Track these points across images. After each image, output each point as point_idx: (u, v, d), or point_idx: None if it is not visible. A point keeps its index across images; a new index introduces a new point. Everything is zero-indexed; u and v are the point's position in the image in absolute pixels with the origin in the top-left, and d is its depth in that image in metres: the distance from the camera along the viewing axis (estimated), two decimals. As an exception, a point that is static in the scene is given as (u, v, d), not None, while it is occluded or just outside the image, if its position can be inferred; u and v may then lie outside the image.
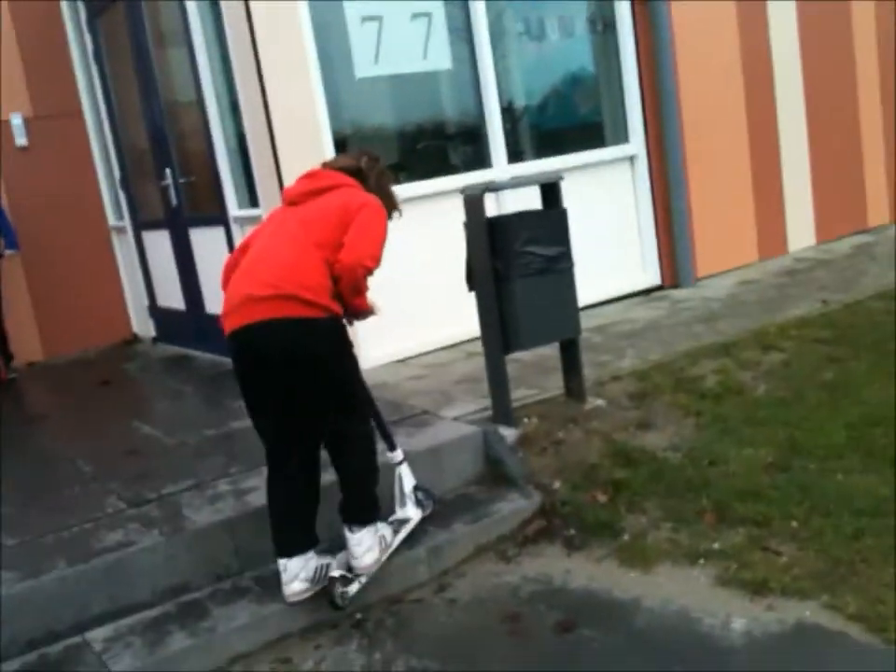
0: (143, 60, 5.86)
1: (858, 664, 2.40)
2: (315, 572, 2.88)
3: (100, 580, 2.93)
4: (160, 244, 6.30)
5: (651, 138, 5.84)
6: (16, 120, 6.44)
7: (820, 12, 6.55)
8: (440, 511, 3.34)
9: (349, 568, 2.95)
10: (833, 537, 2.91)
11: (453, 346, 5.03)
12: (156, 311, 6.77)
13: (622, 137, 5.89)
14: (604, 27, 5.80)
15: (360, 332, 3.94)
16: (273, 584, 2.93)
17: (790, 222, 6.57)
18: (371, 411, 3.13)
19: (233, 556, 3.11)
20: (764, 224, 6.40)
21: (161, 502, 3.38)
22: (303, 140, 4.60)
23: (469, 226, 3.67)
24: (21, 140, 6.47)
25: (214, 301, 5.49)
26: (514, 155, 5.47)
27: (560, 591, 2.98)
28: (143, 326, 6.95)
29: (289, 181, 3.32)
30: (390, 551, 3.06)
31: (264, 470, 2.98)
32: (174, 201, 5.87)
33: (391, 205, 3.08)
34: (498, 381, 3.78)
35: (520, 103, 5.72)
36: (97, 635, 2.85)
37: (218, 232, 5.46)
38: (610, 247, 5.70)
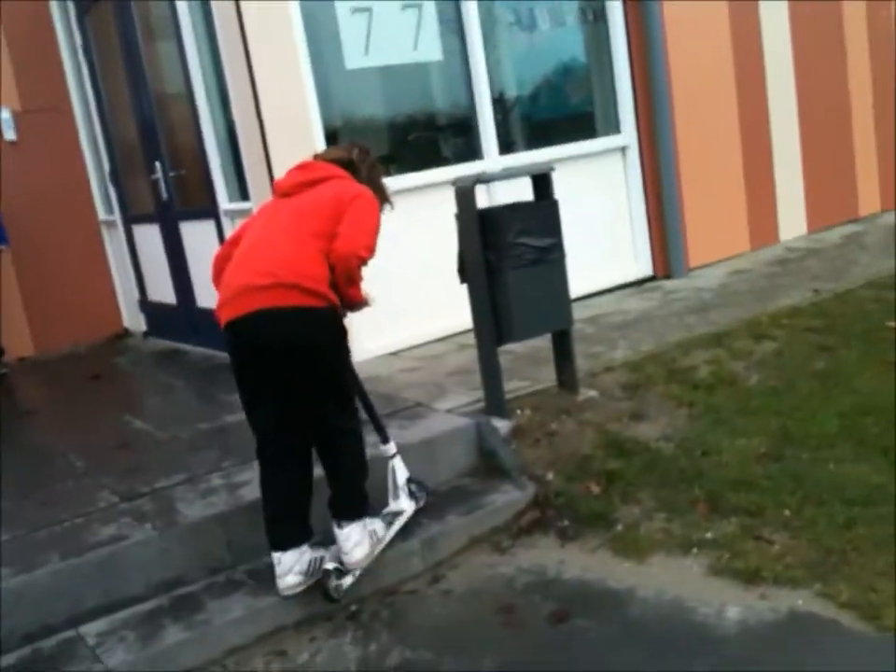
0: (132, 53, 5.82)
1: (851, 651, 2.41)
2: (310, 565, 2.88)
3: (93, 574, 2.92)
4: (150, 237, 6.27)
5: (642, 129, 5.84)
6: (4, 115, 6.39)
7: (812, 1, 6.54)
8: (433, 502, 3.34)
9: (341, 563, 2.95)
10: (825, 526, 2.92)
11: (445, 338, 5.03)
12: (147, 305, 6.75)
13: (613, 128, 5.88)
14: (595, 17, 5.79)
15: (354, 325, 3.93)
16: (266, 577, 2.93)
17: (781, 212, 6.58)
18: (365, 403, 3.12)
19: (227, 550, 3.11)
20: (756, 214, 6.41)
21: (154, 496, 3.38)
22: (293, 132, 4.58)
23: (460, 218, 3.67)
24: (9, 135, 6.42)
25: (205, 295, 5.47)
26: (505, 146, 5.47)
27: (554, 581, 2.98)
28: (134, 320, 6.92)
29: (280, 174, 3.31)
30: (383, 544, 3.06)
31: (257, 464, 2.97)
32: (164, 194, 5.85)
33: (383, 198, 3.08)
34: (491, 373, 3.78)
35: (511, 94, 5.71)
36: (91, 629, 2.84)
37: (209, 226, 5.43)
38: (602, 238, 5.70)
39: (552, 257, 3.74)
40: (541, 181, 3.81)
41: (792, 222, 6.65)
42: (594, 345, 4.61)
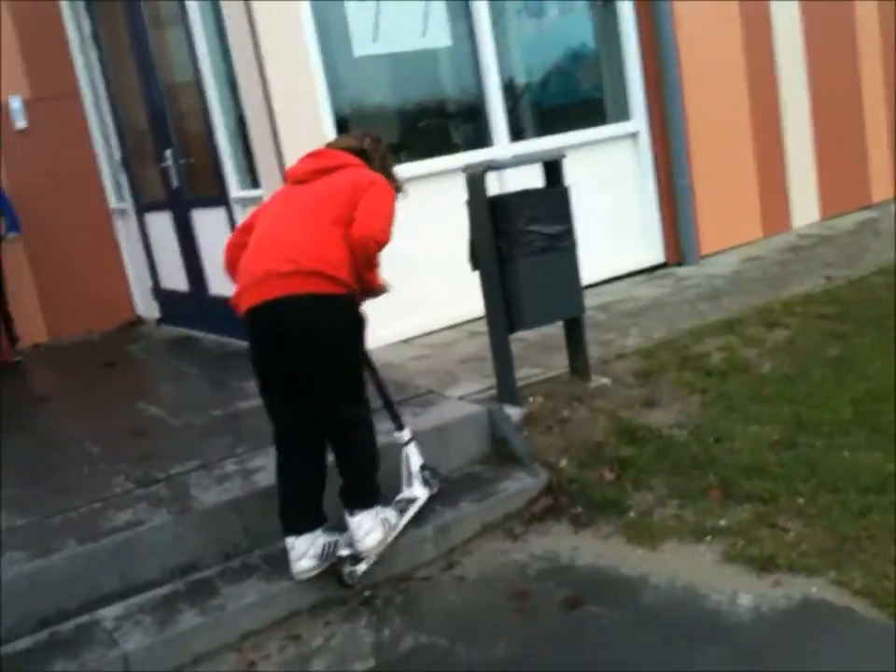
0: (140, 41, 5.82)
1: (864, 639, 2.42)
2: (324, 549, 2.90)
3: (109, 559, 2.95)
4: (161, 225, 6.28)
5: (653, 115, 5.81)
6: (15, 103, 6.40)
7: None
8: (446, 489, 3.35)
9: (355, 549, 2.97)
10: (839, 513, 2.92)
11: (456, 326, 5.03)
12: (159, 292, 6.77)
13: (623, 114, 5.85)
14: (604, 2, 5.75)
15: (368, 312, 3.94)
16: (281, 562, 2.95)
17: (793, 199, 6.54)
18: (381, 391, 3.13)
19: (242, 535, 3.13)
20: (768, 201, 6.38)
21: (169, 482, 3.40)
22: (303, 120, 4.57)
23: (471, 205, 3.66)
24: (20, 123, 6.43)
25: (217, 283, 5.48)
26: (516, 133, 5.44)
27: (567, 568, 2.99)
28: (147, 307, 6.94)
29: (290, 161, 3.30)
30: (396, 531, 3.07)
31: (271, 450, 2.99)
32: (174, 182, 5.85)
33: (395, 186, 3.08)
34: (503, 360, 3.78)
35: (521, 80, 5.69)
36: (107, 613, 2.87)
37: (220, 213, 5.44)
38: (613, 225, 5.68)
39: (563, 244, 3.73)
40: (552, 168, 3.80)
41: (805, 209, 6.61)
42: (605, 332, 4.60)
